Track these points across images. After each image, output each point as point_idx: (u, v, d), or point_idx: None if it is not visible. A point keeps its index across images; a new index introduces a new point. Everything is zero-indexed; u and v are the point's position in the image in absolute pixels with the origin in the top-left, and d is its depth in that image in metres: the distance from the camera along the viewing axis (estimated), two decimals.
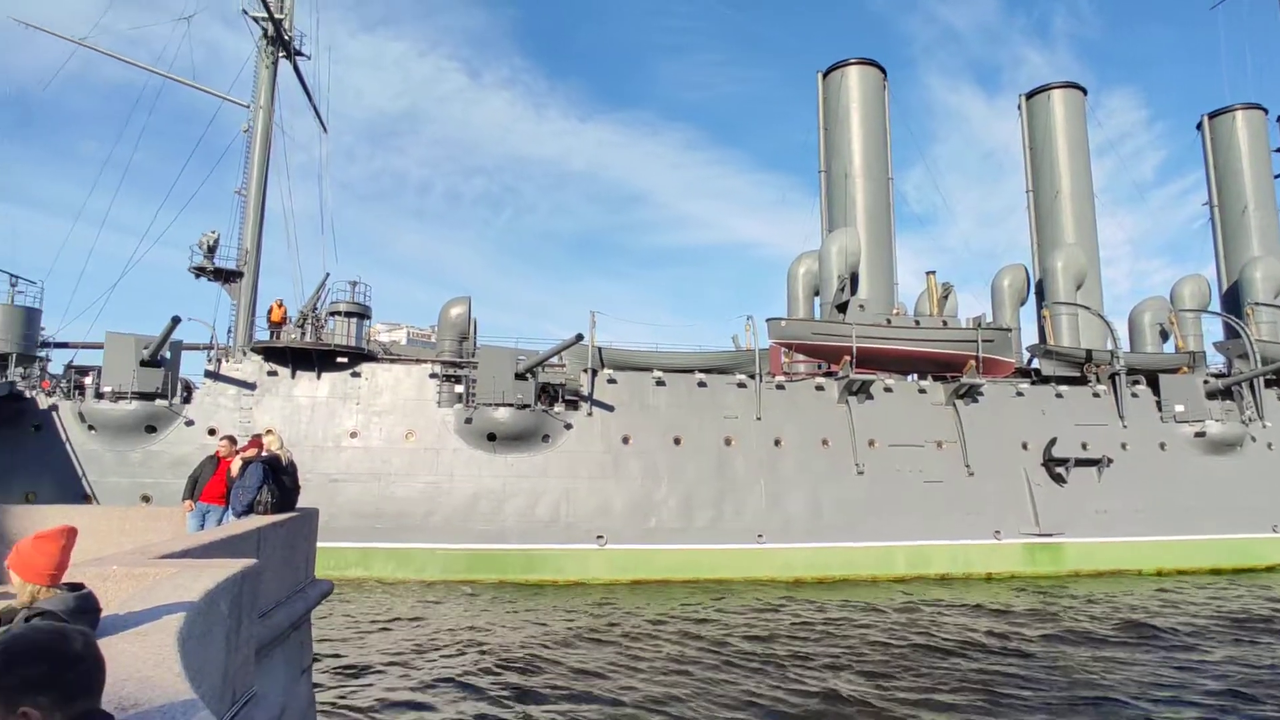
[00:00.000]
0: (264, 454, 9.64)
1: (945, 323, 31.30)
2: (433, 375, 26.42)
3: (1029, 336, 37.66)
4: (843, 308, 32.40)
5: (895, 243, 37.62)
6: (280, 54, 31.07)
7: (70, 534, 3.20)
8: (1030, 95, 41.93)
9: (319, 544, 12.52)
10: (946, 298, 33.51)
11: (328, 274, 28.04)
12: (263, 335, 26.72)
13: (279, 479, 9.69)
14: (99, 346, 25.80)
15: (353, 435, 25.27)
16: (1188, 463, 29.90)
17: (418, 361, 27.75)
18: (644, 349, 28.96)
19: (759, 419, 27.35)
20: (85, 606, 3.08)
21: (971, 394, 29.22)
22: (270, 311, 26.60)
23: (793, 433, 27.48)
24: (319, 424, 25.30)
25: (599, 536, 24.96)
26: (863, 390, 28.39)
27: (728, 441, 26.90)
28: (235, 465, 9.42)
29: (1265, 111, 43.55)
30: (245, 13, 30.25)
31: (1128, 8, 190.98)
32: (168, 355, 25.10)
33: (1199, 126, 44.68)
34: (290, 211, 31.35)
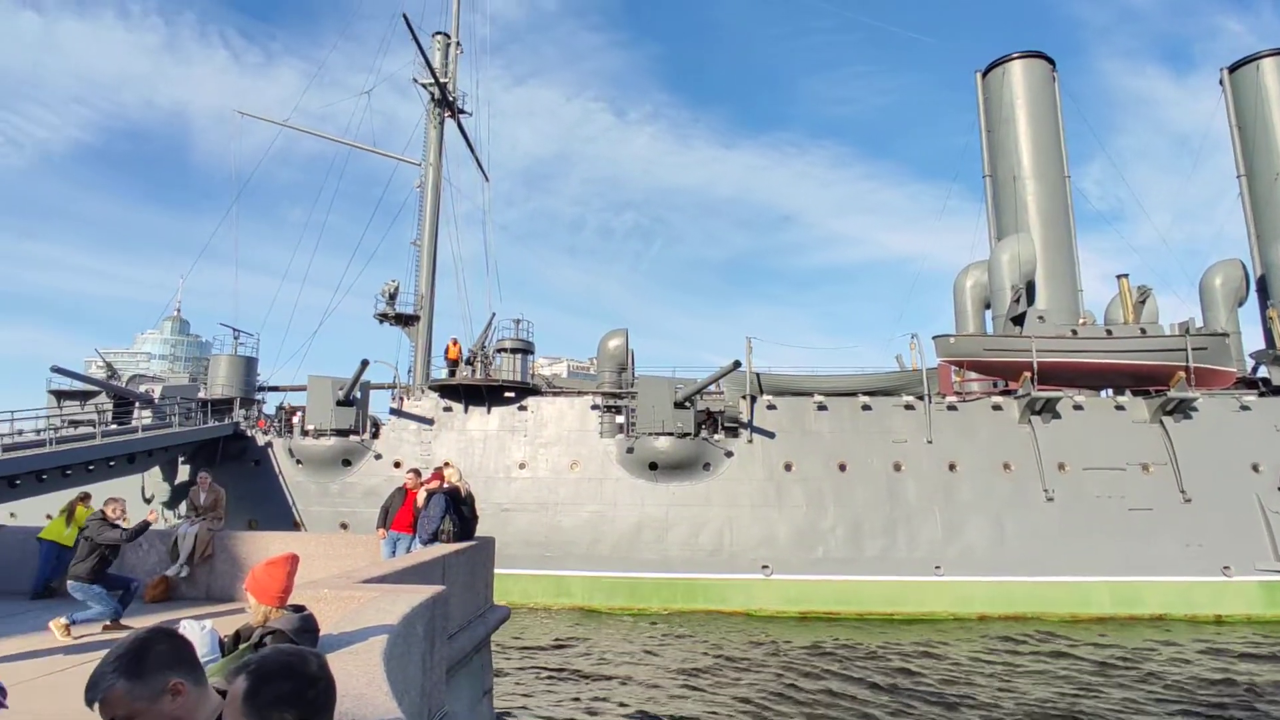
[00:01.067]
0: (445, 486, 10.25)
1: (1144, 330, 28.00)
2: (594, 407, 27.16)
3: (1252, 341, 32.85)
4: (1019, 320, 29.90)
5: (1076, 246, 34.33)
6: (445, 114, 33.81)
7: (294, 561, 3.47)
8: (1234, 68, 37.04)
9: (495, 569, 13.05)
10: (1144, 302, 30.00)
11: (493, 314, 29.85)
12: (439, 373, 28.76)
13: (459, 509, 10.24)
14: (303, 389, 28.89)
15: (521, 466, 26.42)
16: None
17: (579, 394, 28.66)
18: (802, 373, 28.23)
19: (930, 442, 25.67)
20: (308, 626, 3.32)
21: (1183, 409, 25.81)
22: (447, 350, 28.61)
23: (969, 456, 25.54)
24: (490, 456, 26.70)
25: (764, 566, 24.34)
26: (1048, 409, 25.90)
27: (897, 467, 25.44)
28: (421, 497, 10.08)
29: None
30: (415, 81, 33.32)
31: None
32: (359, 395, 27.60)
33: None
34: (459, 256, 33.84)
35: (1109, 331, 28.41)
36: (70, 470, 21.07)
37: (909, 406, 26.30)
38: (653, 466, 25.53)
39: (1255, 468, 25.00)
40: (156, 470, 27.03)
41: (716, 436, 26.23)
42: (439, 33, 34.60)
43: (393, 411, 27.90)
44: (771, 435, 26.08)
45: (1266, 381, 29.19)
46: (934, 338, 28.34)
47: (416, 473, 11.10)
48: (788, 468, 25.64)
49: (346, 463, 26.82)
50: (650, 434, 25.39)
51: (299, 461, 26.93)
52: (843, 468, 25.50)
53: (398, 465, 26.50)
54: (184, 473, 27.73)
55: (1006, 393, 27.48)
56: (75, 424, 26.47)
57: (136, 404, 28.08)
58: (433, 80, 32.85)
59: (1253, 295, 33.59)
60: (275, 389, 32.93)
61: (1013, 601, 23.55)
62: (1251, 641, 20.35)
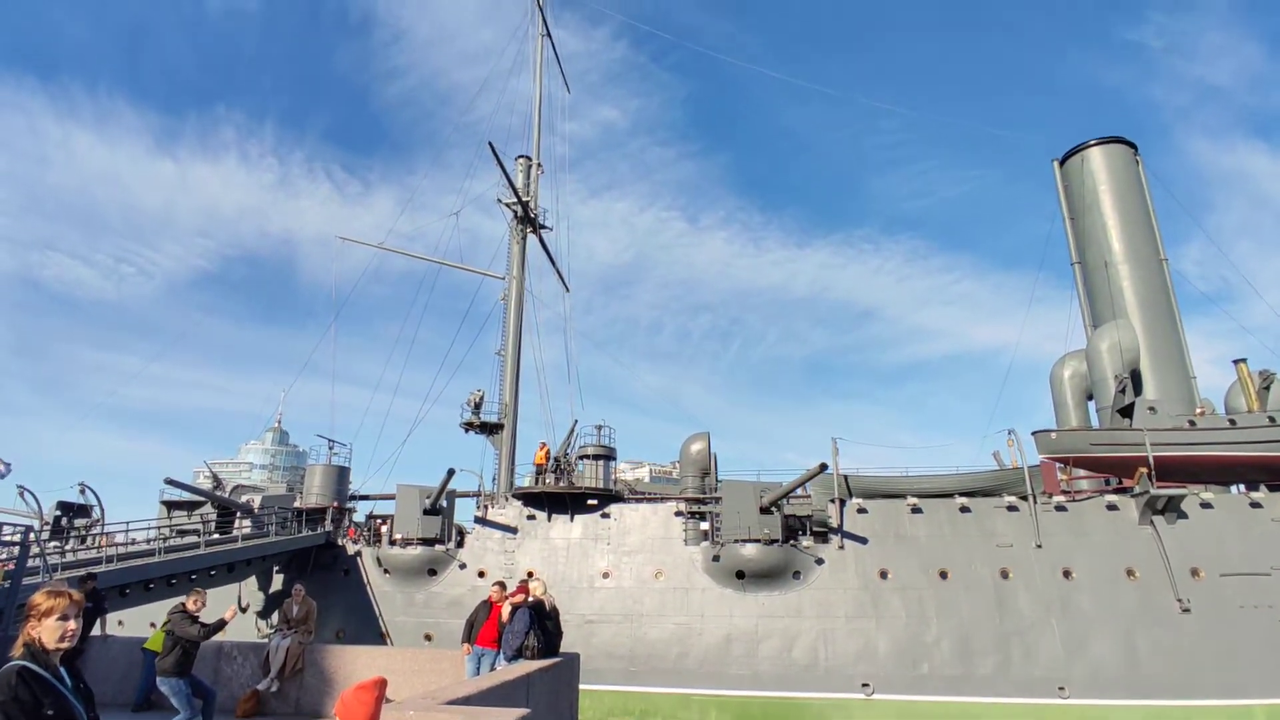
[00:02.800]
0: (529, 599, 10.07)
1: (1273, 419, 25.70)
2: (678, 513, 26.60)
3: None
4: (1126, 411, 28.03)
5: (1183, 330, 32.39)
6: (528, 230, 35.67)
7: (383, 685, 3.39)
8: None
9: (579, 686, 12.53)
10: (1268, 388, 27.66)
11: (575, 420, 30.17)
12: (523, 480, 28.97)
13: (543, 624, 10.00)
14: (392, 497, 29.54)
15: (605, 576, 25.86)
16: None
17: (662, 499, 28.24)
18: (893, 473, 27.03)
19: (1039, 546, 23.79)
20: None
21: None
22: (536, 455, 28.88)
23: (1085, 562, 23.46)
24: (574, 565, 26.30)
25: (864, 684, 22.58)
26: (1171, 507, 23.73)
27: (1004, 574, 23.58)
28: (505, 611, 9.91)
29: None
30: (499, 201, 35.50)
31: None
32: (445, 504, 27.99)
33: None
34: (541, 365, 34.63)
35: (1232, 421, 26.17)
36: (175, 579, 21.90)
37: (1012, 508, 24.62)
38: (740, 575, 24.53)
39: None
40: (254, 578, 27.78)
41: (805, 542, 25.10)
42: (521, 156, 37.07)
43: (477, 520, 28.08)
44: (864, 541, 24.78)
45: None
46: (1034, 433, 26.77)
47: (502, 585, 10.98)
48: (883, 575, 24.14)
49: (432, 572, 26.91)
50: (736, 541, 24.53)
51: (386, 571, 27.20)
52: (944, 575, 23.82)
53: (482, 575, 26.42)
54: (278, 581, 28.43)
55: (1121, 490, 25.46)
56: (183, 533, 27.76)
57: (238, 513, 29.30)
58: (515, 200, 34.94)
59: None
60: (365, 498, 33.85)
61: None
62: None
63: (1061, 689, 21.72)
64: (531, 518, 27.50)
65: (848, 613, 23.78)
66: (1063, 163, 36.82)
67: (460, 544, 27.68)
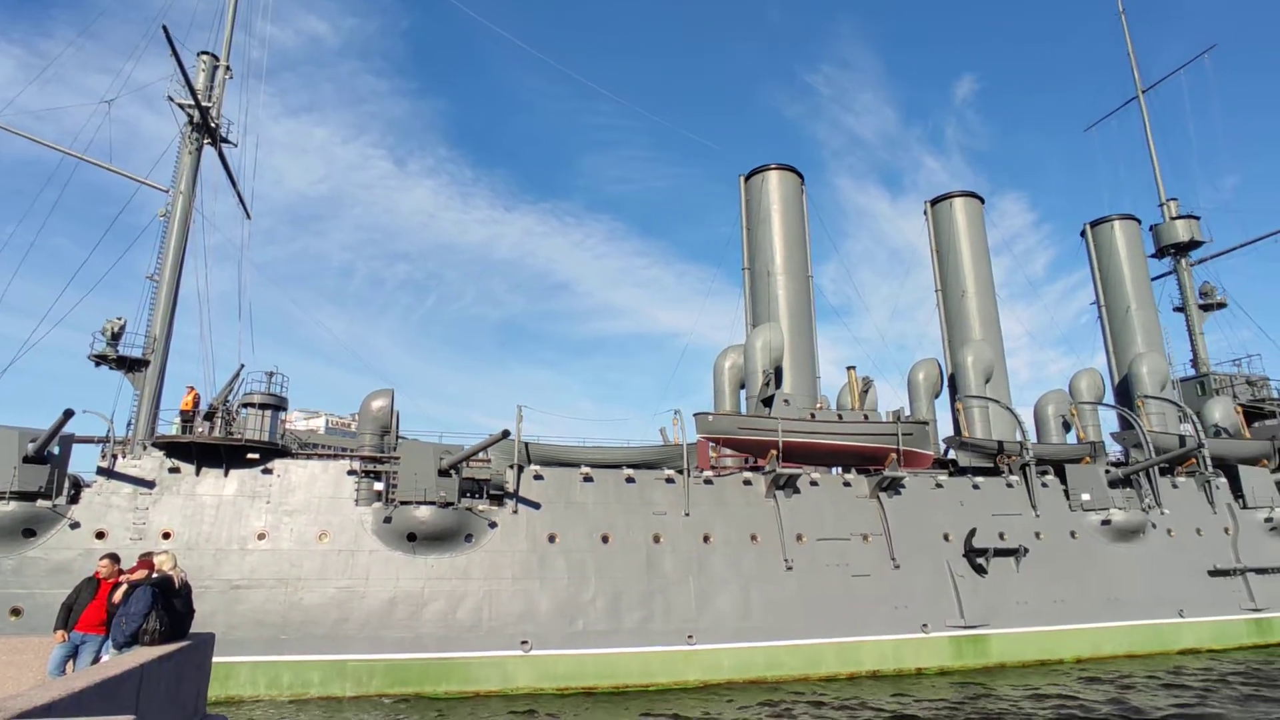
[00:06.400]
0: (154, 575, 8.88)
1: (866, 416, 32.22)
2: (351, 472, 25.27)
3: (944, 428, 39.15)
4: (768, 402, 32.98)
5: (816, 337, 38.99)
6: (205, 140, 30.69)
7: None
8: (935, 202, 45.15)
9: (216, 659, 11.47)
10: (867, 392, 34.64)
11: (242, 365, 26.95)
12: (168, 428, 25.17)
13: (170, 603, 8.90)
14: None
15: (260, 537, 23.68)
16: (1097, 550, 31.08)
17: (335, 456, 26.57)
18: (571, 444, 28.61)
19: (688, 515, 27.12)
20: None
21: (894, 486, 29.87)
22: (183, 400, 25.16)
23: (721, 529, 27.30)
24: (224, 525, 23.67)
25: (523, 642, 23.81)
26: (789, 484, 28.64)
27: (656, 539, 26.46)
28: (120, 591, 8.60)
29: (1139, 222, 48.06)
30: (171, 99, 29.90)
31: (1011, 122, 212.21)
32: (56, 450, 23.28)
33: (1083, 234, 48.79)
34: (205, 296, 29.94)
35: (840, 416, 32.28)
36: None
37: (670, 480, 27.66)
38: (411, 537, 24.17)
39: (946, 537, 29.43)
40: None
41: (481, 506, 25.55)
42: (205, 52, 31.59)
43: (101, 472, 23.80)
44: (537, 506, 25.97)
45: (955, 463, 34.84)
46: (695, 415, 30.28)
47: (113, 558, 9.48)
48: (551, 539, 25.59)
49: (30, 533, 22.28)
50: (411, 503, 24.10)
51: None
52: (606, 539, 25.98)
53: (101, 536, 22.60)
54: None
55: (756, 469, 29.96)
56: None
57: None
58: (193, 102, 29.76)
59: (945, 389, 40.24)
60: None
61: (757, 666, 25.18)
62: (939, 697, 23.55)
63: (690, 638, 25.08)
64: (175, 471, 24.11)
65: (515, 574, 24.80)
66: (747, 179, 41.75)
67: (75, 499, 23.29)
